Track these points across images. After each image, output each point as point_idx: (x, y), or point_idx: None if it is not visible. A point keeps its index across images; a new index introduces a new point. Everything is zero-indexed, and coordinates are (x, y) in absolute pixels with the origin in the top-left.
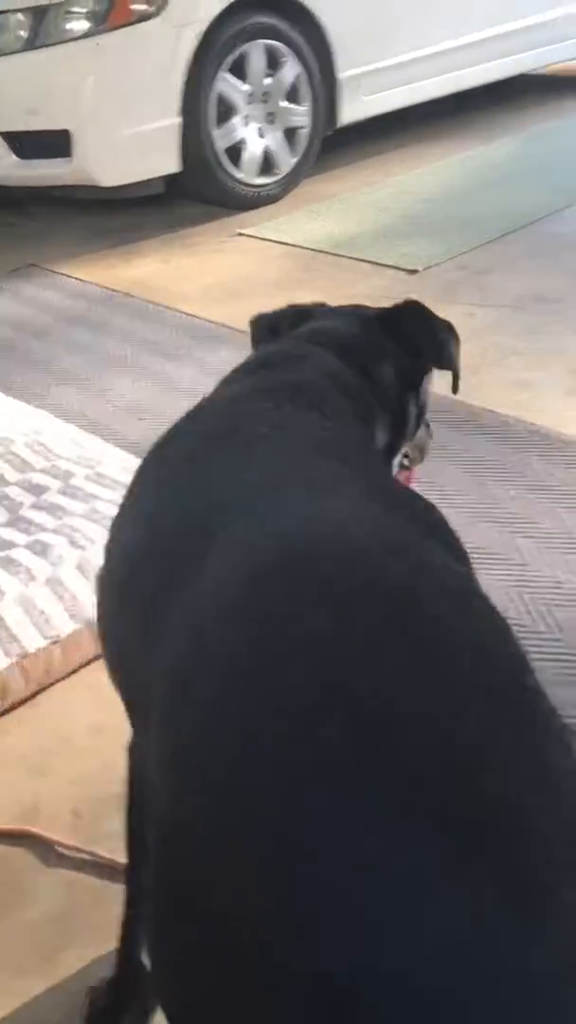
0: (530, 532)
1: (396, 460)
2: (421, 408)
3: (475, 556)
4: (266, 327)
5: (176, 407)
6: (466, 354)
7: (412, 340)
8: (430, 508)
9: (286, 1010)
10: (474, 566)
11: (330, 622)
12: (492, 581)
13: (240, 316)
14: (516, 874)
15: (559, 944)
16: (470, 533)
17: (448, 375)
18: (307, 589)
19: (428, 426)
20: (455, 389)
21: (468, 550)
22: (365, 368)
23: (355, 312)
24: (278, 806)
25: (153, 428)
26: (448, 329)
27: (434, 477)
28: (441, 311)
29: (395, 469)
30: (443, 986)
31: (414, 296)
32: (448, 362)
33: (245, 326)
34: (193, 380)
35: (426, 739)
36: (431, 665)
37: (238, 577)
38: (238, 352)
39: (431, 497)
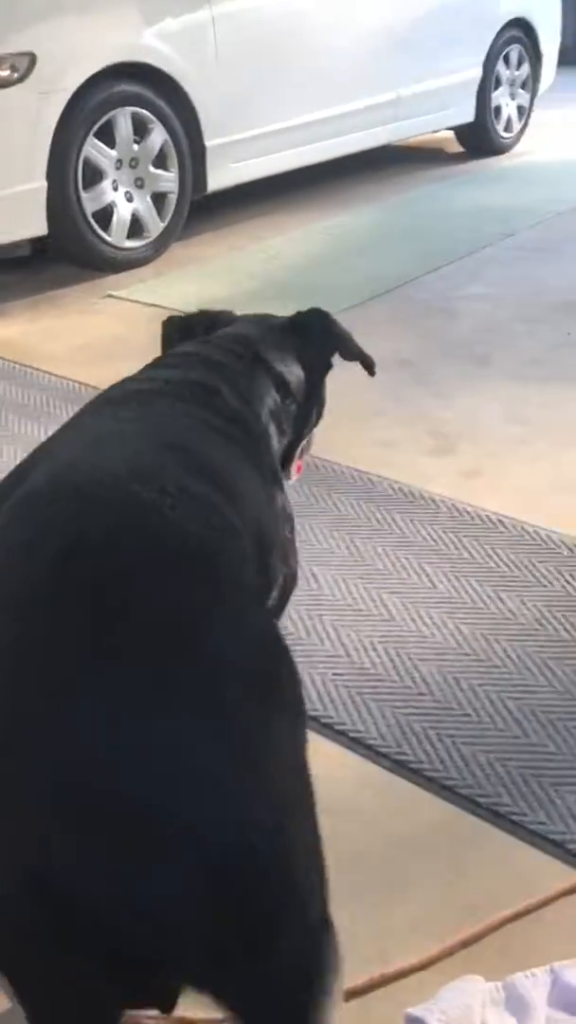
0: (396, 588)
1: (301, 446)
2: (321, 401)
3: (345, 613)
4: (176, 330)
5: None
6: (332, 413)
7: (315, 339)
8: (218, 466)
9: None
10: (344, 623)
11: (73, 513)
12: (361, 638)
13: (109, 377)
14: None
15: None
16: (340, 590)
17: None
18: (62, 498)
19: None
20: (372, 372)
21: (339, 607)
22: (271, 369)
23: (264, 320)
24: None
25: None
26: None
27: (305, 536)
28: None
29: (297, 456)
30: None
31: None
32: (354, 354)
33: None
34: None
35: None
36: (148, 543)
37: (19, 494)
38: None
39: (303, 554)
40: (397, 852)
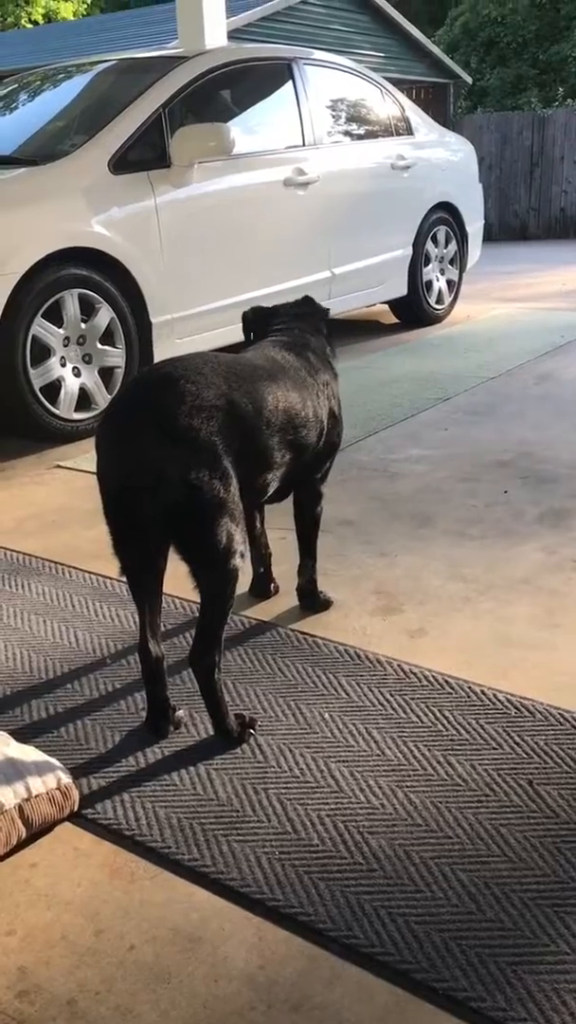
0: (343, 756)
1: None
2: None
3: (291, 785)
4: (253, 318)
5: None
6: (279, 576)
7: (320, 313)
8: (313, 369)
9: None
10: (291, 796)
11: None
12: (308, 812)
13: (56, 548)
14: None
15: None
16: (286, 761)
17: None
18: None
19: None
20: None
21: (286, 779)
22: (324, 335)
23: (304, 305)
24: (106, 438)
25: None
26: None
27: (249, 702)
28: None
29: None
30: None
31: None
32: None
33: (62, 557)
34: (6, 614)
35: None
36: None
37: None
38: (55, 583)
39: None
40: None
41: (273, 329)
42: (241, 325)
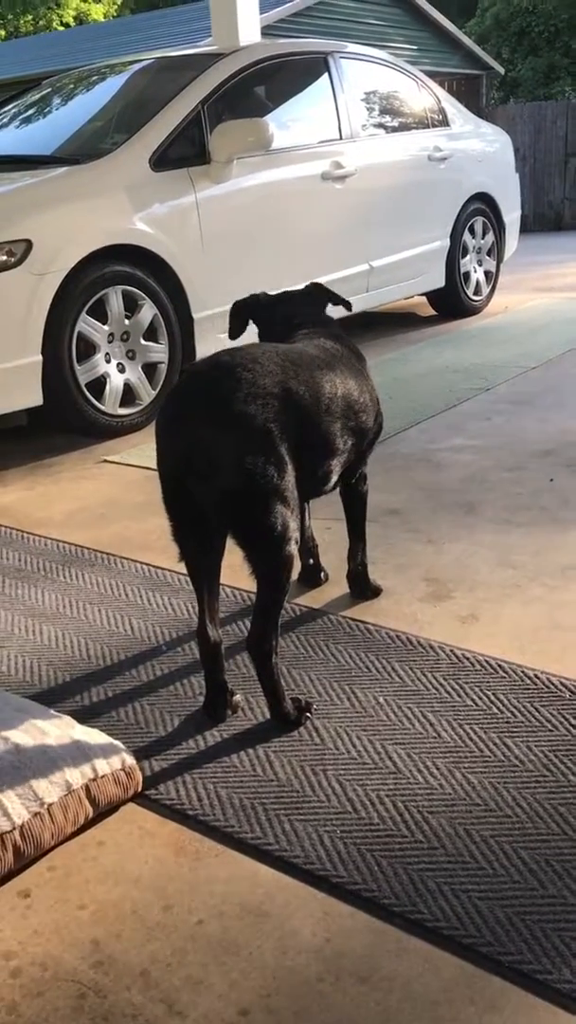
0: (399, 738)
1: None
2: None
3: (350, 767)
4: (244, 306)
5: (41, 632)
6: (327, 565)
7: (332, 298)
8: (348, 356)
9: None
10: (350, 777)
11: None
12: (367, 792)
13: (106, 539)
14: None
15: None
16: (343, 743)
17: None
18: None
19: None
20: (349, 309)
21: (344, 761)
22: (318, 318)
23: (308, 298)
24: (164, 426)
25: (17, 656)
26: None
27: (304, 687)
28: None
29: None
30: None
31: None
32: (336, 299)
33: (112, 548)
34: (58, 604)
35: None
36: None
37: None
38: (108, 573)
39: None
40: (419, 1018)
41: (295, 321)
42: (232, 314)
